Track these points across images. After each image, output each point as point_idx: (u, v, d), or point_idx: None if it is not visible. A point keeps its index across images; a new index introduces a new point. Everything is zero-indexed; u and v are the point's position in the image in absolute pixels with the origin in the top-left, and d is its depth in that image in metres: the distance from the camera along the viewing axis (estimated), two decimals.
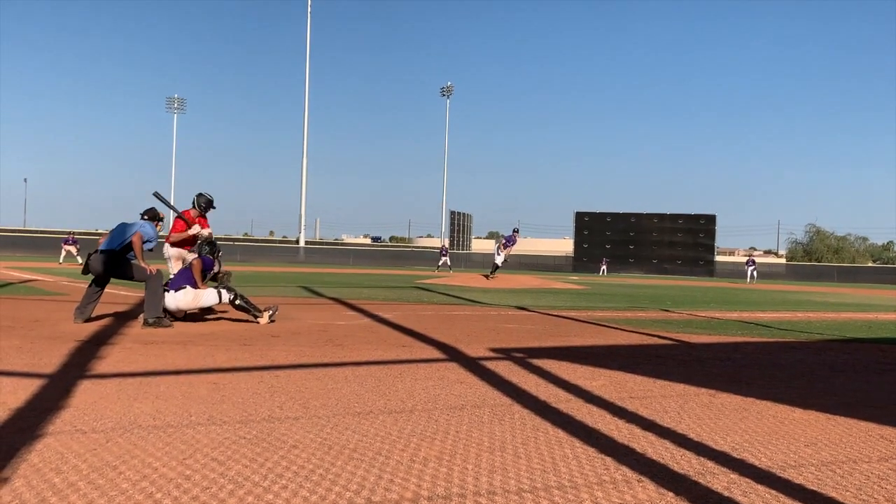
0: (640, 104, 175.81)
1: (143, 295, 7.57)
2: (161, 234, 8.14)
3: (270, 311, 7.97)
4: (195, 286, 7.75)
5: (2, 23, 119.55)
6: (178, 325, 7.47)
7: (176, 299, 7.63)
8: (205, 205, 8.94)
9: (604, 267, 52.24)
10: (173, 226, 8.85)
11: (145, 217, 7.96)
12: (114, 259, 7.58)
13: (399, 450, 3.03)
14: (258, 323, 7.80)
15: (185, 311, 7.94)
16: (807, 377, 5.38)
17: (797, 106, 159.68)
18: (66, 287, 14.07)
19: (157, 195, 8.73)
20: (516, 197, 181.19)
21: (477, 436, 3.30)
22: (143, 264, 7.52)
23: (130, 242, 7.56)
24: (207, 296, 7.80)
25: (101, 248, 7.66)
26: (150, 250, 7.80)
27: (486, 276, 22.40)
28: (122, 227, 7.74)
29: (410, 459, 2.89)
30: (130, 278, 7.61)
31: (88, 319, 7.49)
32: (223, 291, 7.82)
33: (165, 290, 7.64)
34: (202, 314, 8.52)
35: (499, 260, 22.56)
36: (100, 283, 7.75)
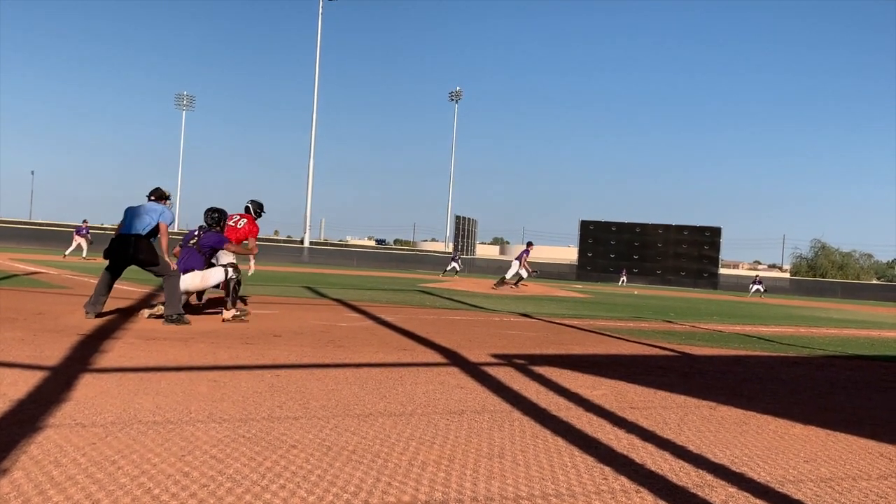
0: (648, 115, 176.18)
1: (146, 290, 7.56)
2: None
3: (240, 313, 7.91)
4: (202, 268, 7.78)
5: (12, 16, 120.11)
6: None
7: (184, 282, 7.62)
8: (261, 211, 9.48)
9: (624, 278, 51.90)
10: (245, 228, 9.06)
11: (152, 198, 7.73)
12: (145, 244, 7.39)
13: (398, 453, 3.03)
14: (221, 315, 7.78)
15: (192, 293, 7.93)
16: (808, 393, 5.36)
17: (806, 120, 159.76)
18: (69, 280, 14.10)
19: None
20: (522, 203, 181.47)
21: (476, 441, 3.30)
22: (167, 258, 7.48)
23: (156, 228, 7.42)
24: (214, 274, 7.85)
25: (124, 231, 7.43)
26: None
27: (515, 285, 22.06)
28: (138, 211, 7.53)
29: (409, 463, 2.89)
30: (155, 265, 7.42)
31: (99, 315, 7.36)
32: (230, 270, 7.84)
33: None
34: (202, 308, 8.55)
35: (523, 272, 22.50)
36: (117, 270, 7.57)
